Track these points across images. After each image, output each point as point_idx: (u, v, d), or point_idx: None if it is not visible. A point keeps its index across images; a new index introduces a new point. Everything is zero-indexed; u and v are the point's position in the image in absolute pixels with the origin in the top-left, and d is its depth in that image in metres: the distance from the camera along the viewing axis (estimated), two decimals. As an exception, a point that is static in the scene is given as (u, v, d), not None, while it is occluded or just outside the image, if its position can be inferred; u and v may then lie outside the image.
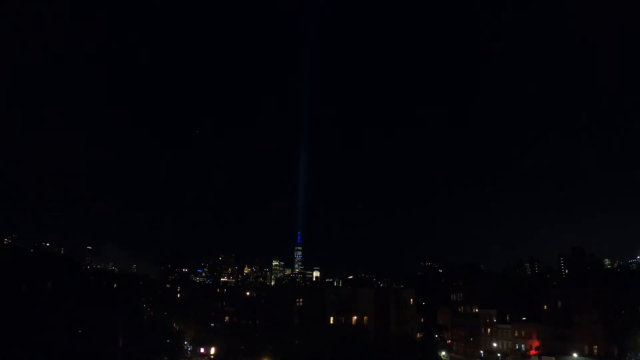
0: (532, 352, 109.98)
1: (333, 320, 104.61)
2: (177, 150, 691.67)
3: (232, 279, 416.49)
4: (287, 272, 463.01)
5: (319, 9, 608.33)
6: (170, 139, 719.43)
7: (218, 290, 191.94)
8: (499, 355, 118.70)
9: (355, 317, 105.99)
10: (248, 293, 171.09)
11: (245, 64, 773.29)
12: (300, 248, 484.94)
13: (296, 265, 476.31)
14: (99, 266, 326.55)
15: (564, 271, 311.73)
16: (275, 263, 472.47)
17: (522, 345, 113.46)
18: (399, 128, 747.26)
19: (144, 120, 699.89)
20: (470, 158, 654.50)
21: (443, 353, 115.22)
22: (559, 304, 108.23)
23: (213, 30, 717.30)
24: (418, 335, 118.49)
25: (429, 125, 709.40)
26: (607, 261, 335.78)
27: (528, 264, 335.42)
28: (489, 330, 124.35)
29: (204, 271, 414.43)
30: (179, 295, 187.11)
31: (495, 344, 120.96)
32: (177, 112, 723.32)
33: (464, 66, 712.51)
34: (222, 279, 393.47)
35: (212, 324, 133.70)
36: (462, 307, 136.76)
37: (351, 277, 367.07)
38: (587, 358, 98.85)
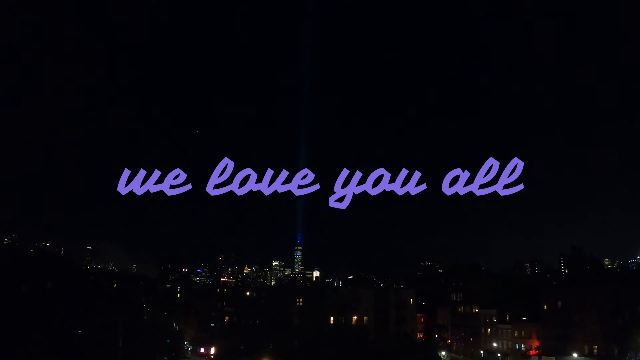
0: (532, 352, 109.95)
1: (333, 320, 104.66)
2: (177, 149, 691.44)
3: (232, 279, 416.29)
4: (287, 272, 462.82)
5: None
6: (169, 138, 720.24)
7: (218, 290, 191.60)
8: (499, 355, 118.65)
9: (355, 317, 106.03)
10: (248, 293, 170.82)
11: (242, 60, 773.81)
12: (300, 248, 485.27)
13: (296, 265, 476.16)
14: (99, 266, 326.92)
15: (564, 271, 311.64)
16: (275, 263, 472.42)
17: (522, 345, 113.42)
18: (399, 124, 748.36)
19: (143, 119, 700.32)
20: (470, 157, 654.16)
21: (443, 353, 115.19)
22: (559, 304, 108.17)
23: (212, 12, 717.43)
24: (418, 335, 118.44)
25: (428, 123, 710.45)
26: (607, 261, 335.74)
27: (528, 264, 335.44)
28: (489, 330, 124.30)
29: (204, 271, 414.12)
30: (179, 295, 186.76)
31: (495, 344, 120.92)
32: (177, 111, 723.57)
33: (466, 61, 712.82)
34: (222, 279, 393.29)
35: (212, 324, 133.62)
36: (462, 307, 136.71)
37: (351, 277, 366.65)
38: (587, 358, 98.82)
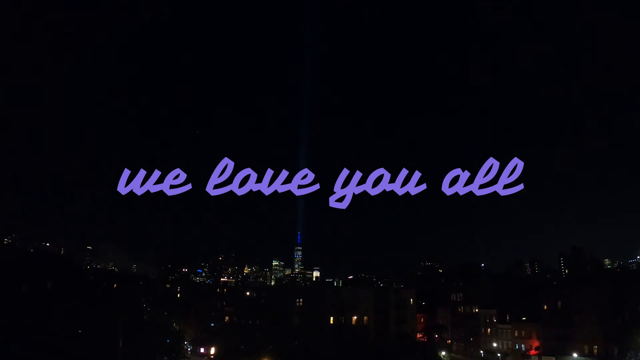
0: (532, 352, 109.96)
1: (333, 320, 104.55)
2: (177, 149, 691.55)
3: (232, 279, 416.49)
4: (287, 272, 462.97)
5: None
6: (169, 138, 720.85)
7: (218, 290, 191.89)
8: (499, 355, 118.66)
9: (355, 317, 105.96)
10: (248, 293, 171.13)
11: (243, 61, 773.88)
12: (300, 248, 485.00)
13: (296, 265, 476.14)
14: (98, 266, 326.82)
15: (564, 271, 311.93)
16: (275, 263, 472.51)
17: (522, 345, 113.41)
18: (400, 123, 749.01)
19: (142, 119, 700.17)
20: (470, 157, 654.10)
21: (443, 353, 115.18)
22: (559, 304, 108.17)
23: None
24: (418, 335, 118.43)
25: (429, 122, 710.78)
26: (607, 261, 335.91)
27: (528, 264, 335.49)
28: (489, 330, 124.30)
29: (204, 271, 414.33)
30: (179, 295, 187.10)
31: (495, 344, 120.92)
32: (176, 110, 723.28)
33: (467, 61, 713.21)
34: (222, 279, 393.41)
35: (212, 324, 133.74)
36: (462, 307, 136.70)
37: (351, 277, 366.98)
38: (587, 358, 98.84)
